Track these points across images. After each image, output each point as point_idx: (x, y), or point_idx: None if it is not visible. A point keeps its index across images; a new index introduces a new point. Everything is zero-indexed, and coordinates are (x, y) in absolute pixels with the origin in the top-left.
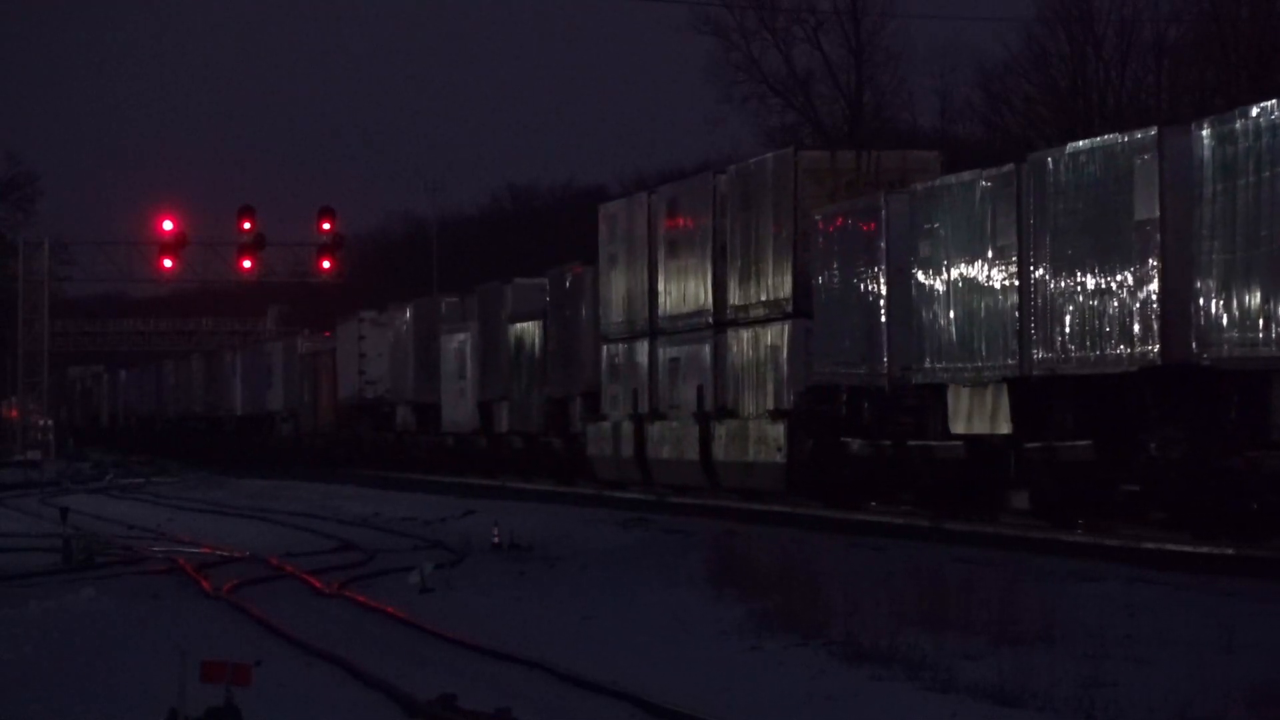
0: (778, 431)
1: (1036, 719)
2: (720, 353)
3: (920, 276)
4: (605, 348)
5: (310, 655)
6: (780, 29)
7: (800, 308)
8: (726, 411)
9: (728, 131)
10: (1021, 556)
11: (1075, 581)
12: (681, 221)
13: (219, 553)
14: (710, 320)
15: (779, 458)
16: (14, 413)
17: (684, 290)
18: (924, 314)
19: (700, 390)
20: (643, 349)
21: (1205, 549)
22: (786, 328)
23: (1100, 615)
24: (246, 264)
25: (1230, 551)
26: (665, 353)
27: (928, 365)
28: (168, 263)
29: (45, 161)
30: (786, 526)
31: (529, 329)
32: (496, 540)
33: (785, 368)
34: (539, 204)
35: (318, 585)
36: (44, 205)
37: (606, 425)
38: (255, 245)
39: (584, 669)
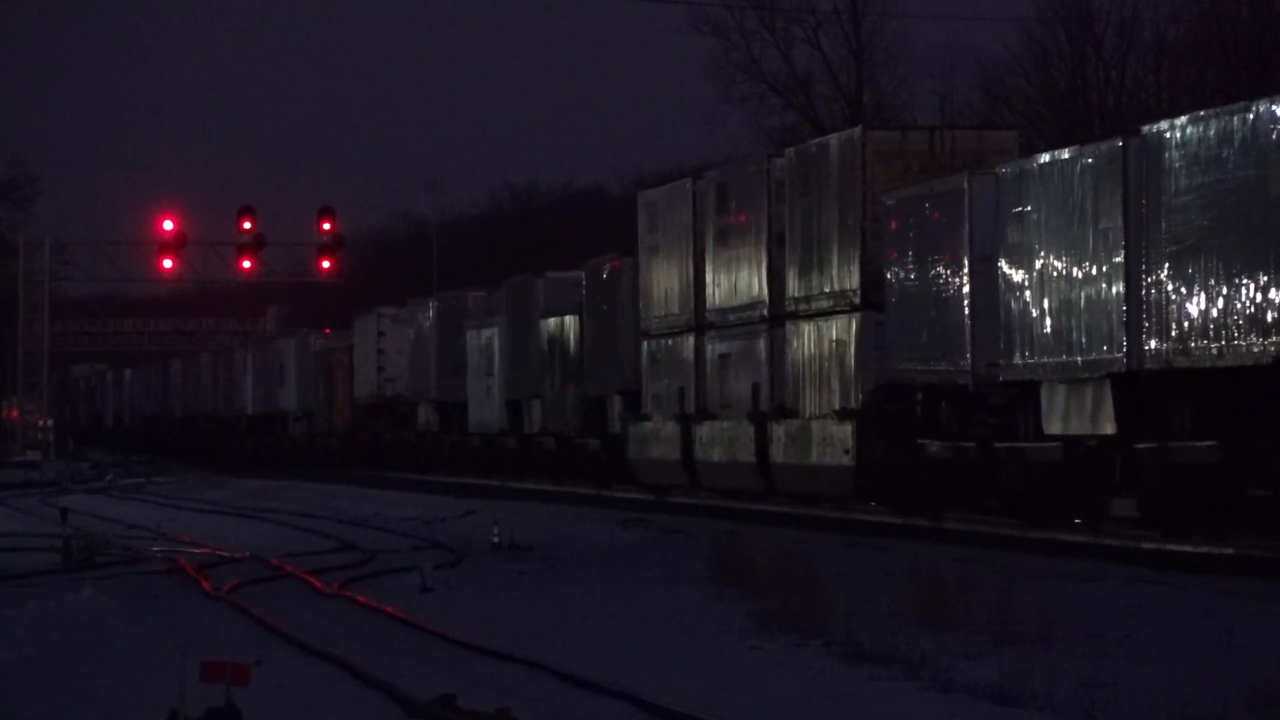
0: (845, 432)
1: (1036, 719)
2: (777, 348)
3: (1008, 264)
4: (646, 343)
5: (310, 655)
6: (780, 29)
7: (869, 299)
8: (785, 411)
9: (728, 131)
10: (1021, 556)
11: (1075, 581)
12: (732, 209)
13: (219, 553)
14: (765, 313)
15: (846, 460)
16: (14, 413)
17: (735, 282)
18: (1013, 305)
19: (756, 388)
20: (688, 344)
21: (1205, 549)
22: (854, 321)
23: (1100, 615)
24: (246, 264)
25: (1230, 551)
26: (714, 348)
27: (1017, 361)
28: (168, 263)
29: (45, 161)
30: (786, 527)
31: (563, 324)
32: (496, 540)
33: (853, 364)
34: (539, 204)
35: (318, 585)
36: (44, 205)
37: (649, 425)
38: (255, 245)
39: (584, 669)
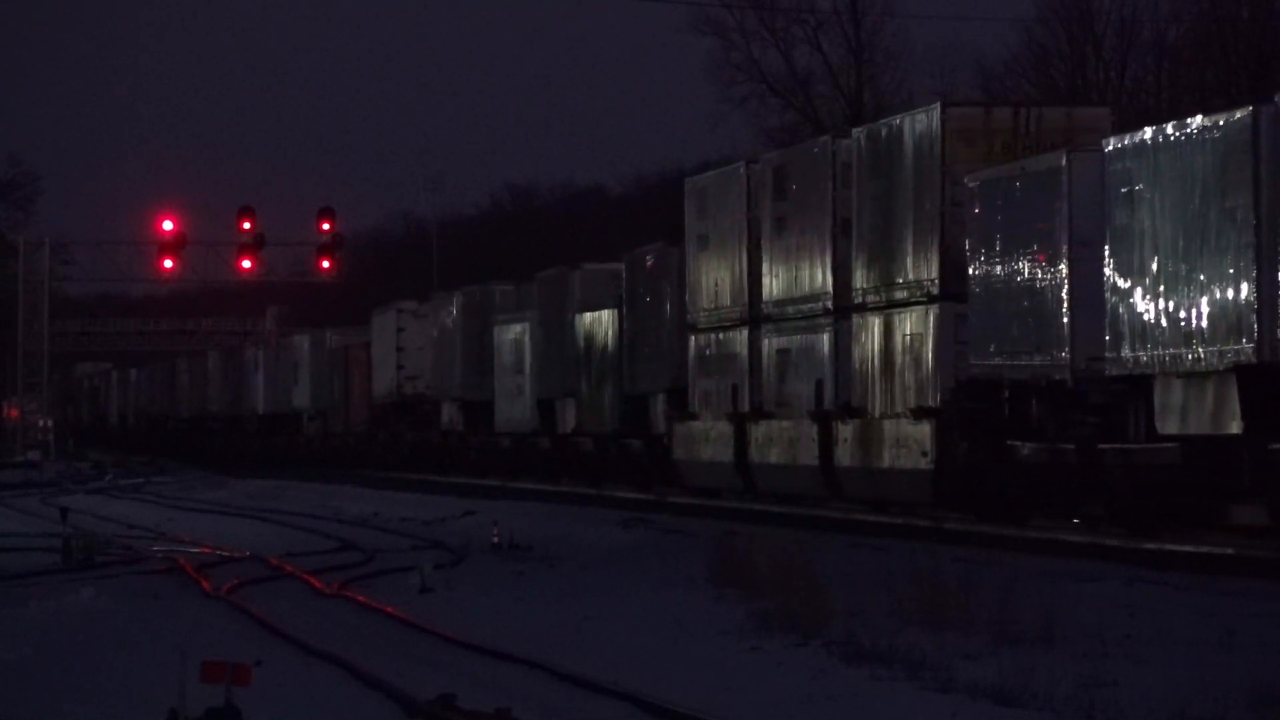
0: (922, 433)
1: (1036, 719)
2: (843, 343)
3: (1114, 249)
4: (694, 338)
5: (310, 655)
6: (780, 29)
7: (949, 289)
8: (852, 410)
9: (728, 131)
10: (1021, 556)
11: (1075, 581)
12: (792, 194)
13: (219, 552)
14: (830, 305)
15: (924, 463)
16: (14, 413)
17: (795, 272)
18: (1120, 293)
19: (819, 385)
20: (741, 339)
21: (1205, 549)
22: (932, 313)
23: (1100, 615)
24: (246, 264)
25: (1230, 551)
26: (771, 343)
27: (1125, 354)
28: (168, 263)
29: (45, 161)
30: (786, 527)
31: (600, 319)
32: (496, 540)
33: (931, 359)
34: (539, 204)
35: (318, 585)
36: (44, 205)
37: (698, 425)
38: (255, 245)
39: (584, 669)
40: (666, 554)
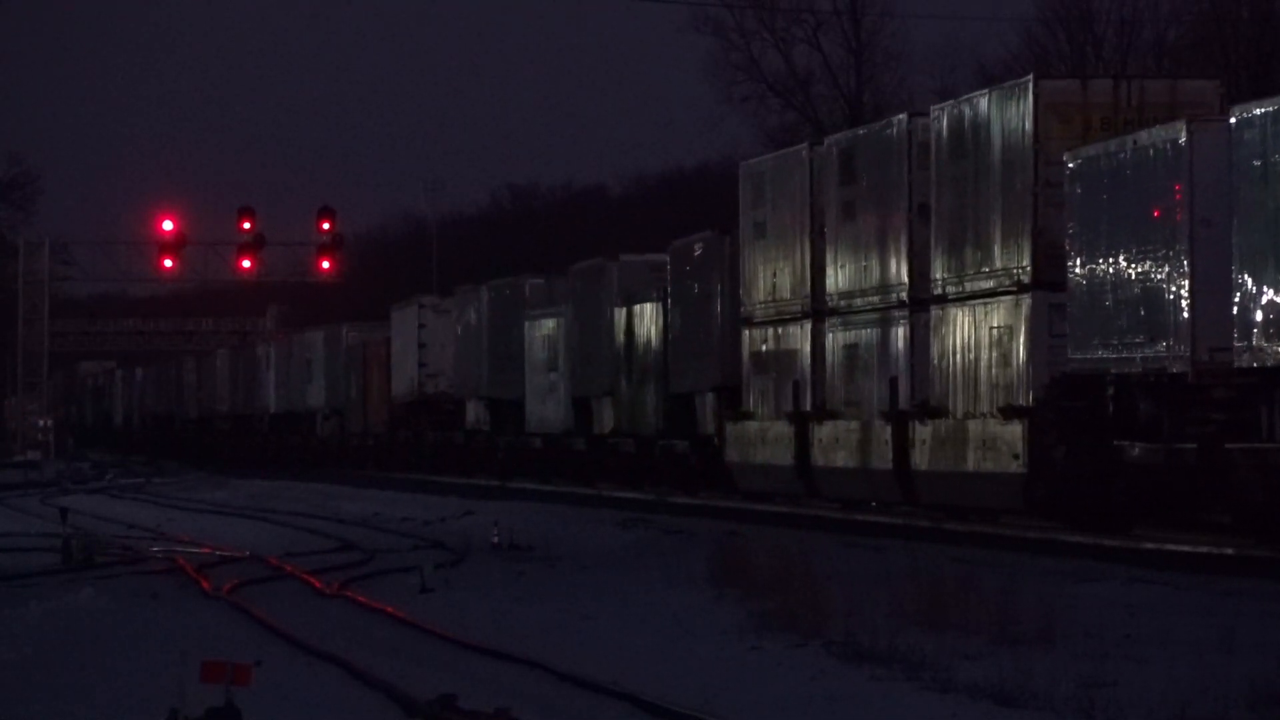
0: (1013, 434)
1: (1036, 719)
2: (920, 337)
3: (1245, 229)
4: (748, 333)
5: (310, 655)
6: (780, 29)
7: (1043, 278)
8: (930, 409)
9: (728, 131)
10: (1021, 556)
11: (1075, 581)
12: (861, 178)
13: (219, 553)
14: (905, 297)
15: (1015, 467)
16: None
17: (864, 261)
18: (1252, 278)
19: (893, 383)
20: (802, 334)
21: (1205, 549)
22: (1025, 303)
23: (1100, 615)
24: (246, 264)
25: (1230, 551)
26: (837, 338)
27: (1257, 344)
28: (168, 263)
29: (45, 161)
30: (786, 527)
31: (642, 312)
32: (496, 540)
33: (1022, 353)
34: (539, 204)
35: (318, 585)
36: (44, 205)
37: (753, 426)
38: (255, 245)
39: (584, 669)
40: (666, 554)
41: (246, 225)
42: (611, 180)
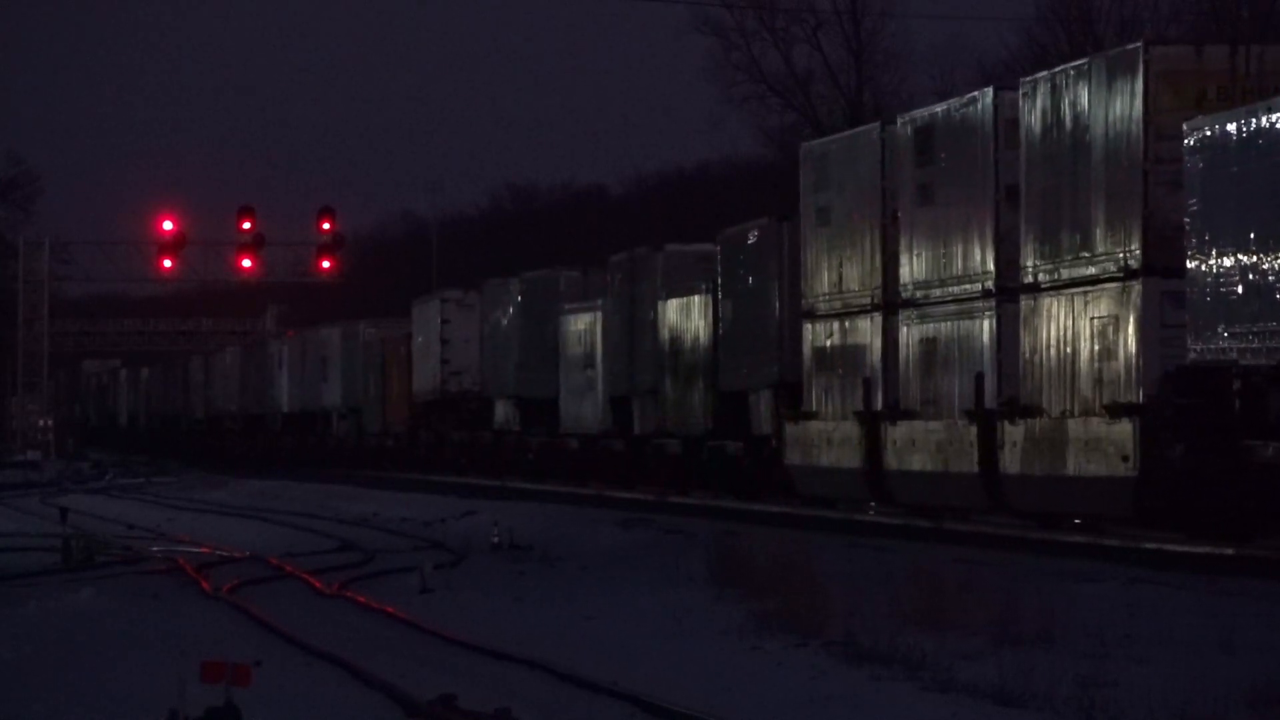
0: (1122, 434)
1: (1036, 719)
2: (1009, 329)
3: None
4: (810, 327)
5: (310, 655)
6: (780, 29)
7: (1154, 263)
8: (1022, 408)
9: (728, 131)
10: (1021, 556)
11: (1075, 581)
12: (940, 158)
13: (219, 553)
14: (991, 286)
15: (1124, 470)
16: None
17: (944, 249)
18: None
19: (978, 379)
20: (872, 328)
21: (1205, 549)
22: (1134, 291)
23: (1100, 615)
24: (246, 264)
25: (1230, 551)
26: (913, 332)
27: None
28: (168, 263)
29: (45, 161)
30: (786, 527)
31: (689, 306)
32: (496, 540)
33: (1132, 345)
34: (539, 204)
35: (318, 585)
36: (44, 205)
37: (816, 426)
38: (255, 245)
39: (584, 669)
40: (666, 554)
41: (246, 225)
42: (612, 180)
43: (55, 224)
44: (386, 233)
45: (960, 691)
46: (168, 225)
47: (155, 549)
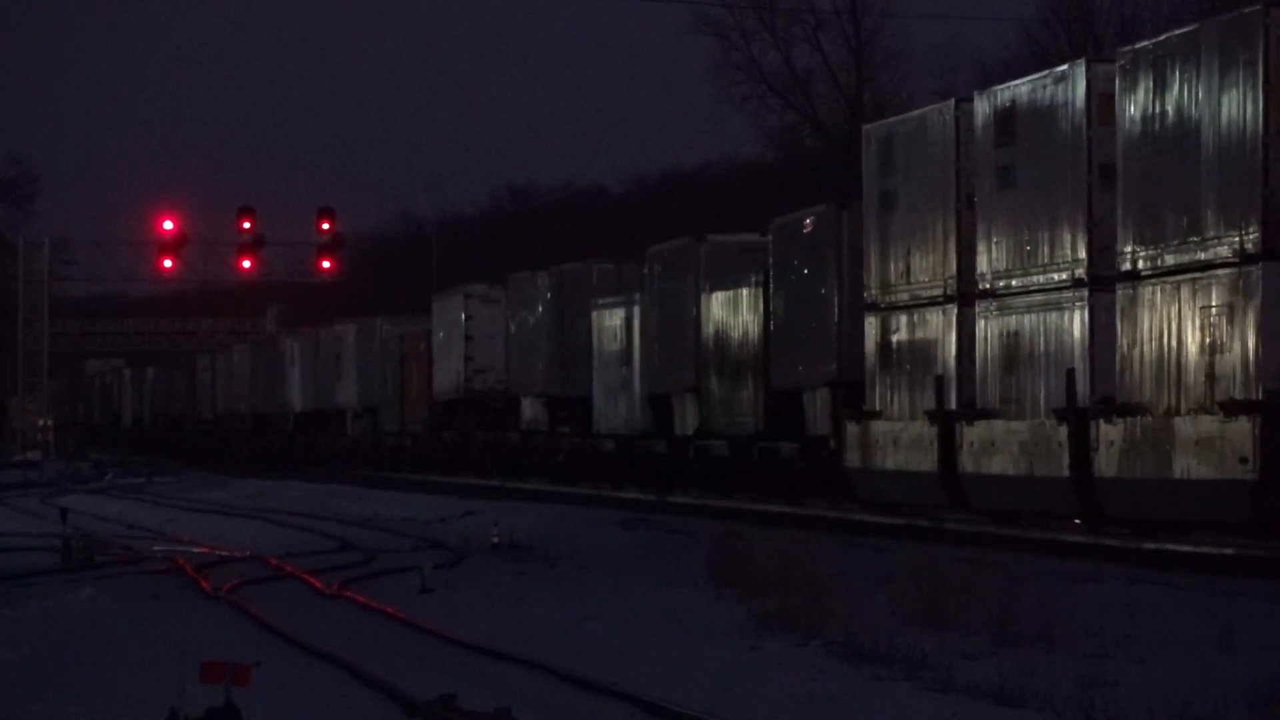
0: (1239, 433)
1: (1036, 719)
2: (1104, 321)
3: None
4: (873, 319)
5: (310, 655)
6: (780, 29)
7: (1274, 246)
8: (1119, 406)
9: (728, 131)
10: (1021, 556)
11: (1075, 581)
12: (1023, 137)
13: (219, 553)
14: (1083, 274)
15: (1242, 473)
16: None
17: (1027, 235)
18: None
19: (1069, 375)
20: (945, 320)
21: (1205, 549)
22: (1251, 277)
23: (1100, 615)
24: (246, 264)
25: (1230, 551)
26: (991, 324)
27: None
28: (168, 263)
29: (45, 161)
30: (786, 526)
31: (736, 299)
32: (496, 540)
33: (1249, 337)
34: (539, 204)
35: (318, 585)
36: (44, 205)
37: (881, 426)
38: (255, 245)
39: (584, 669)
40: (666, 554)
41: (246, 225)
42: (612, 180)
43: (55, 224)
44: (386, 233)
45: (960, 691)
46: (168, 225)
47: (155, 549)
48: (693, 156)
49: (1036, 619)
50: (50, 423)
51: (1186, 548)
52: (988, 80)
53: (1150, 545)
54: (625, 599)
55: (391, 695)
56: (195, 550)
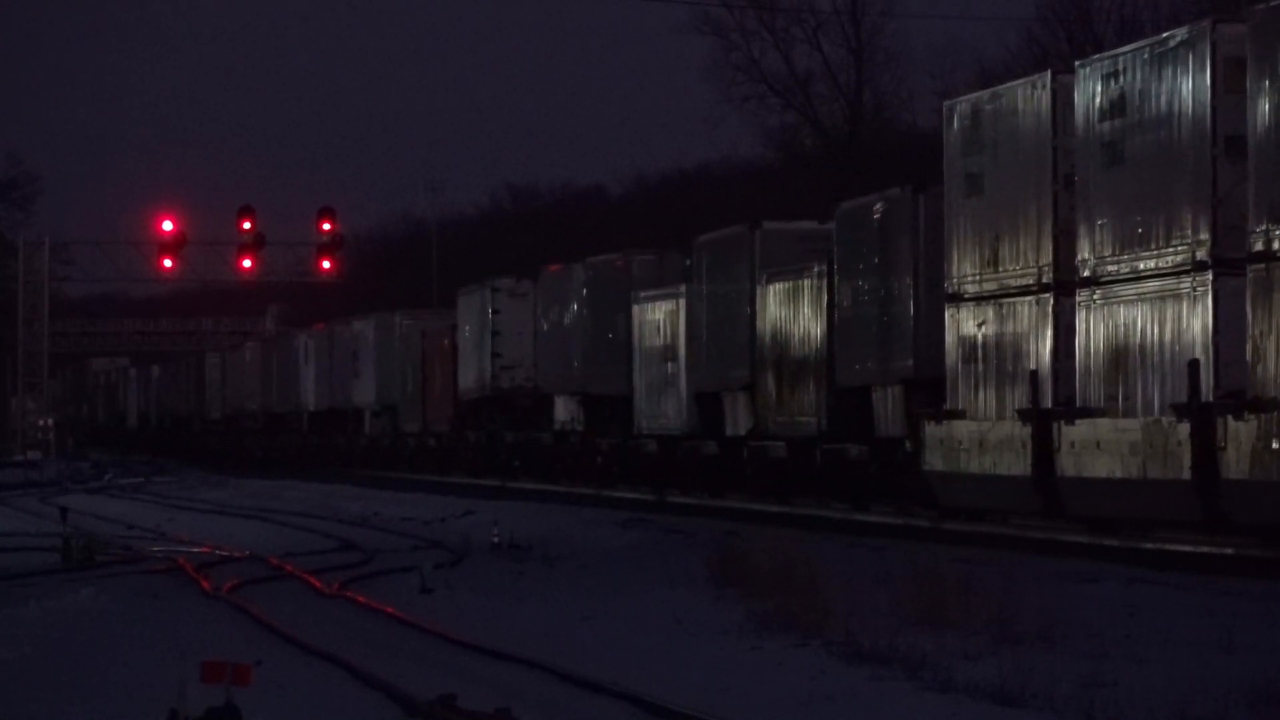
0: None
1: (1036, 719)
2: (1229, 308)
3: None
4: (955, 312)
5: (310, 655)
6: (780, 29)
7: None
8: (1250, 402)
9: (728, 131)
10: (1021, 556)
11: (1075, 581)
12: (1133, 106)
13: (219, 552)
14: (1205, 257)
15: None
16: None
17: (1137, 216)
18: None
19: (1192, 368)
20: (1040, 312)
21: (1205, 549)
22: None
23: (1100, 615)
24: (246, 264)
25: (1230, 551)
26: (1095, 314)
27: None
28: (168, 263)
29: (45, 161)
30: (786, 527)
31: (796, 290)
32: (496, 540)
33: None
34: (539, 204)
35: (318, 585)
36: (44, 205)
37: (964, 426)
38: (255, 245)
39: (584, 669)
40: (666, 554)
41: (246, 225)
42: (611, 180)
43: (55, 224)
44: (386, 233)
45: (960, 691)
46: (168, 225)
47: (155, 549)
48: (693, 156)
49: (1036, 619)
50: (51, 422)
51: (1186, 548)
52: (988, 81)
53: (1150, 545)
54: (625, 599)
55: (391, 695)
56: (195, 550)
